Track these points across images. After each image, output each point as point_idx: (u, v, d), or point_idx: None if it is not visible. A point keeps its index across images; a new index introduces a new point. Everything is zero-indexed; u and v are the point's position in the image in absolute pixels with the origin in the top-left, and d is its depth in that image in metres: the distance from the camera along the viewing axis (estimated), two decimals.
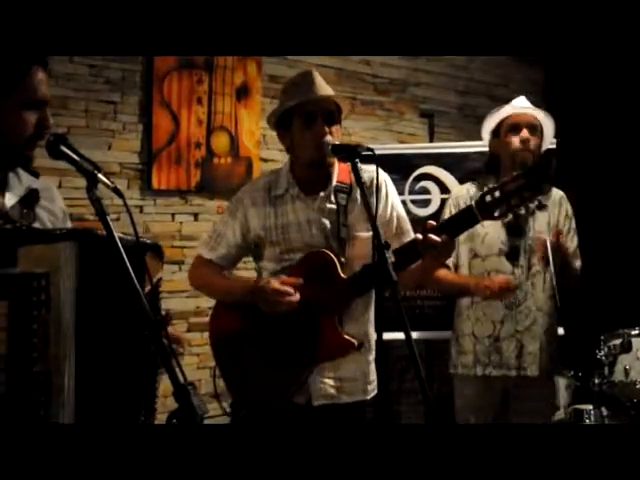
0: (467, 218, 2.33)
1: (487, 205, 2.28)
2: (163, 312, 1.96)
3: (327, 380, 2.48)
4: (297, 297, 2.38)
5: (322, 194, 2.51)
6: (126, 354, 1.80)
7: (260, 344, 2.47)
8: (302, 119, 2.46)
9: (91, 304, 1.71)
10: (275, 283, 2.39)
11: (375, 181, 2.28)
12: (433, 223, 2.34)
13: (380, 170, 2.30)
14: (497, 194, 2.27)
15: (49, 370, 1.66)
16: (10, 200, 1.89)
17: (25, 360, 1.66)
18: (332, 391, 2.48)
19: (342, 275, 2.41)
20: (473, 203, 2.31)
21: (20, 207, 1.90)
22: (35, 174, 1.97)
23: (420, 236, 2.29)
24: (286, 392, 2.45)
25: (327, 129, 2.42)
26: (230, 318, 2.57)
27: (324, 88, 2.48)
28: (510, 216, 2.96)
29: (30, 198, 1.94)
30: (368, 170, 2.32)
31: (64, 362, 1.67)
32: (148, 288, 1.81)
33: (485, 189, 2.33)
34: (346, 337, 2.42)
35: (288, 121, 2.50)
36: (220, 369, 2.58)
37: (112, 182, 1.74)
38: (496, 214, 2.30)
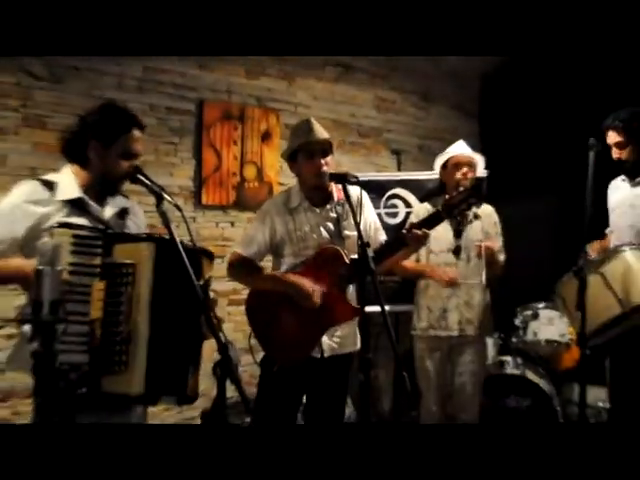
0: (437, 217, 2.45)
1: (449, 208, 2.42)
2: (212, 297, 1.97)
3: (333, 338, 2.50)
4: (319, 300, 2.39)
5: (328, 207, 2.53)
6: (182, 322, 1.84)
7: (289, 316, 2.44)
8: (305, 155, 2.47)
9: (162, 286, 1.77)
10: (308, 283, 2.38)
11: (360, 198, 2.39)
12: (414, 223, 2.48)
13: (361, 190, 2.42)
14: (454, 201, 2.37)
15: (130, 329, 1.72)
16: (108, 213, 1.92)
17: (114, 322, 1.72)
18: (336, 346, 2.50)
19: (348, 261, 2.41)
20: (440, 207, 2.45)
21: (115, 218, 1.96)
22: (126, 196, 2.05)
23: (406, 231, 2.42)
24: (311, 348, 2.46)
25: (323, 161, 2.44)
26: (264, 298, 2.52)
27: (320, 132, 2.49)
28: (455, 224, 3.04)
29: (122, 213, 2.00)
30: (354, 190, 2.36)
31: (141, 324, 1.73)
32: (202, 281, 1.83)
33: (446, 198, 2.49)
34: (355, 306, 2.43)
35: (296, 156, 2.51)
36: (256, 335, 2.53)
37: (173, 200, 1.76)
38: (454, 214, 2.47)
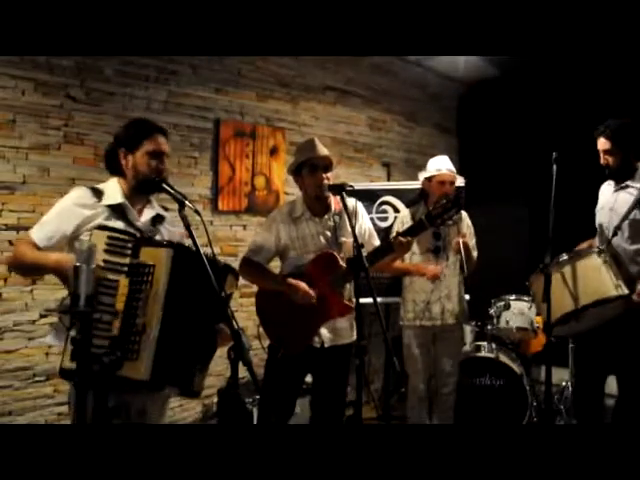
0: (421, 226, 2.37)
1: (432, 218, 2.34)
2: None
3: (331, 330, 2.47)
4: (314, 299, 2.36)
5: (326, 216, 2.50)
6: (194, 322, 1.79)
7: (291, 310, 2.41)
8: (309, 169, 2.44)
9: (176, 287, 1.72)
10: (304, 285, 2.36)
11: (355, 208, 2.39)
12: (400, 232, 2.41)
13: (357, 201, 2.41)
14: (436, 212, 2.32)
15: (144, 322, 1.68)
16: (144, 218, 1.92)
17: (132, 314, 1.68)
18: (334, 337, 2.47)
19: (342, 265, 2.39)
20: (424, 217, 2.35)
21: (149, 224, 1.93)
22: (165, 208, 2.04)
23: (392, 239, 2.36)
24: (310, 339, 2.43)
25: (325, 176, 2.41)
26: (269, 296, 2.51)
27: (322, 150, 2.46)
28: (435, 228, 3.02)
29: (156, 220, 1.96)
30: (350, 201, 2.33)
31: (154, 319, 1.69)
32: (223, 293, 1.79)
33: (430, 209, 2.40)
34: (348, 303, 2.41)
35: (300, 170, 2.48)
36: (263, 326, 2.52)
37: (194, 206, 1.74)
38: (437, 223, 2.37)
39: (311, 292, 2.35)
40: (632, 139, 2.80)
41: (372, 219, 3.87)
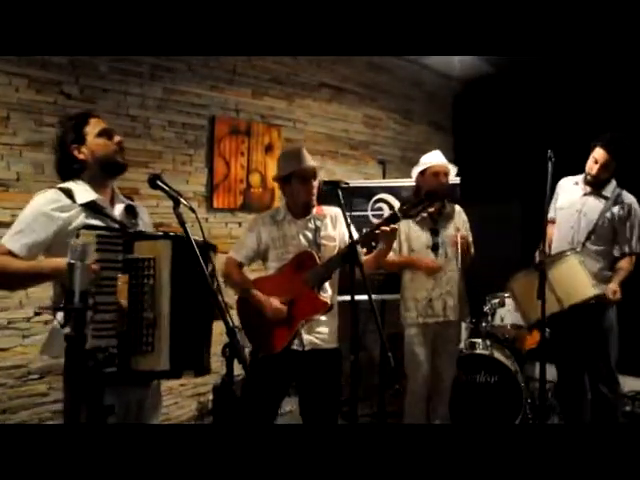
0: (394, 218, 2.35)
1: (405, 210, 2.33)
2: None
3: (312, 334, 2.47)
4: (284, 313, 2.42)
5: (306, 217, 2.53)
6: (197, 306, 1.81)
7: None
8: (299, 179, 2.48)
9: (179, 277, 1.73)
10: (271, 305, 2.42)
11: (336, 215, 2.51)
12: (378, 222, 2.40)
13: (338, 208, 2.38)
14: (408, 205, 2.33)
15: (155, 315, 1.69)
16: (117, 211, 1.89)
17: (138, 309, 1.69)
18: (316, 341, 2.47)
19: (319, 263, 2.42)
20: (397, 209, 2.36)
21: (127, 217, 1.91)
22: (130, 198, 2.00)
23: (380, 230, 2.34)
24: (287, 339, 2.44)
25: (314, 185, 2.47)
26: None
27: (310, 160, 2.51)
28: (432, 223, 3.01)
29: (132, 210, 1.95)
30: (332, 208, 2.46)
31: (164, 310, 1.71)
32: (210, 267, 1.81)
33: (404, 201, 2.41)
34: (324, 300, 2.42)
35: (288, 178, 2.50)
36: (243, 327, 2.54)
37: (189, 203, 1.74)
38: (410, 214, 2.35)
39: (279, 308, 2.40)
40: (628, 158, 2.92)
41: (367, 216, 3.89)
